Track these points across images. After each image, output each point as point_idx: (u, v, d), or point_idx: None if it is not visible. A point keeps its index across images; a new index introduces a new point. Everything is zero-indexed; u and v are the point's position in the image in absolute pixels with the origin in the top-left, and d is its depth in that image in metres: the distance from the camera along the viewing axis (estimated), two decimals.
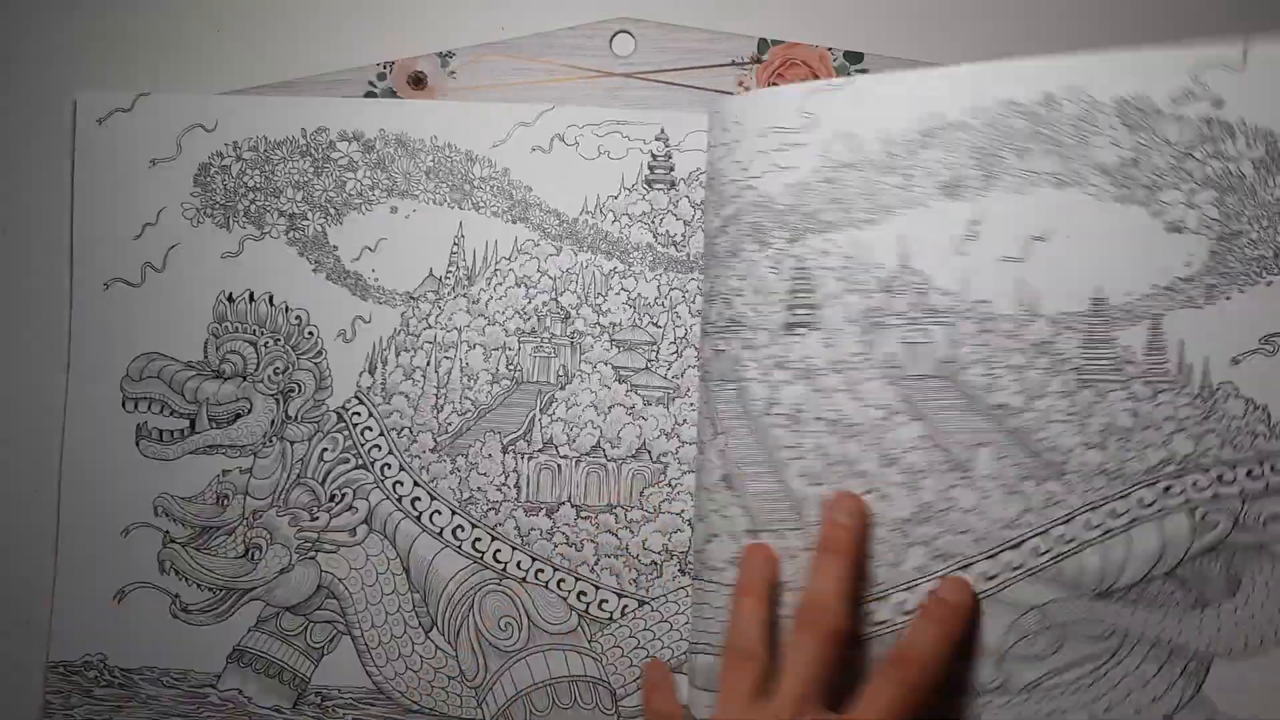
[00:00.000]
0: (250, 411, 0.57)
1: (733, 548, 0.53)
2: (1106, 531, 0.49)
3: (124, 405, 0.58)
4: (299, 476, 0.57)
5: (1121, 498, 0.48)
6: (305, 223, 0.57)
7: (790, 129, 0.52)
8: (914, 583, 0.50)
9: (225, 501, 0.57)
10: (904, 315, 0.50)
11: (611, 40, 0.58)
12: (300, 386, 0.57)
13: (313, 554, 0.57)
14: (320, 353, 0.57)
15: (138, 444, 0.58)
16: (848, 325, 0.51)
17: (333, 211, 0.57)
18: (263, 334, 0.57)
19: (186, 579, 0.57)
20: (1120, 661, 0.48)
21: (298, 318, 0.57)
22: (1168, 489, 0.48)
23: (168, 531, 0.57)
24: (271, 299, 0.57)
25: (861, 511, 0.50)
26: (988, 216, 0.49)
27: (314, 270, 0.57)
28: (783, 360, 0.52)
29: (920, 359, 0.50)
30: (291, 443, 0.57)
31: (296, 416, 0.57)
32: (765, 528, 0.52)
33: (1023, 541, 0.49)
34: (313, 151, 0.57)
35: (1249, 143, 0.47)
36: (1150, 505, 0.48)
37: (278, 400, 0.57)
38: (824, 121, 0.52)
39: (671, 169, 0.56)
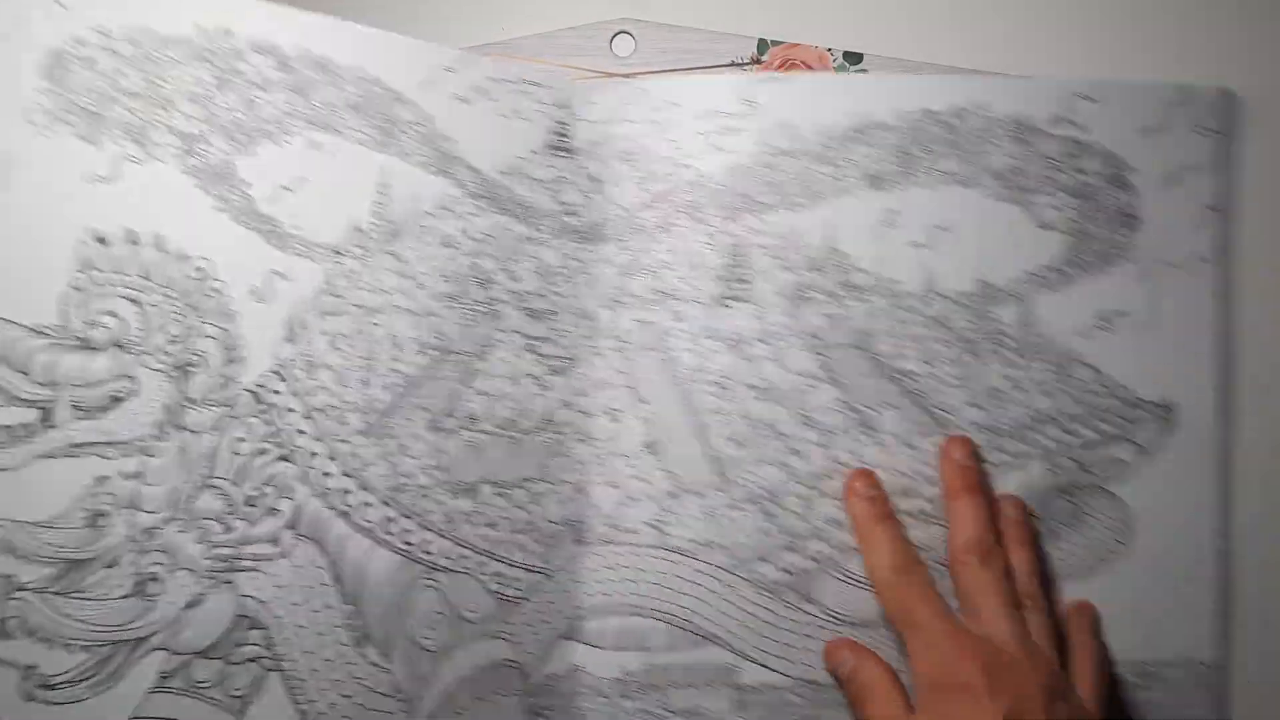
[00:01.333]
0: (135, 394, 0.42)
1: (652, 509, 0.56)
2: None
3: None
4: (207, 477, 0.44)
5: (995, 449, 0.58)
6: (206, 148, 0.44)
7: (731, 114, 0.57)
8: (823, 532, 0.57)
9: (102, 521, 0.41)
10: (828, 291, 0.57)
11: (611, 40, 0.59)
12: (203, 359, 0.44)
13: (228, 576, 0.44)
14: (228, 315, 0.45)
15: None
16: (777, 299, 0.57)
17: (241, 138, 0.45)
18: (149, 289, 0.43)
19: (48, 641, 0.40)
20: None
21: (199, 269, 0.44)
22: (1030, 440, 0.58)
23: (11, 576, 0.39)
24: (161, 242, 0.43)
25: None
26: (903, 207, 0.58)
27: (218, 209, 0.45)
28: (714, 331, 0.57)
29: (839, 330, 0.58)
30: (195, 433, 0.43)
31: (199, 399, 0.44)
32: (690, 489, 0.56)
33: (916, 490, 0.57)
34: (214, 59, 0.45)
35: (1098, 160, 0.58)
36: (1016, 454, 0.58)
37: (173, 378, 0.43)
38: (765, 110, 0.57)
39: (572, 136, 0.56)
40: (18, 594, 0.40)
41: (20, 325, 0.41)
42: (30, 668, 0.40)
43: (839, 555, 0.56)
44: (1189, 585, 0.56)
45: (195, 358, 0.44)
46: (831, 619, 0.56)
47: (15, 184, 0.40)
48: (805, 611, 0.56)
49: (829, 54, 0.61)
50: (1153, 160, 0.58)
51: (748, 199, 0.57)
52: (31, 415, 0.41)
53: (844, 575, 0.56)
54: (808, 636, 0.56)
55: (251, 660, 0.45)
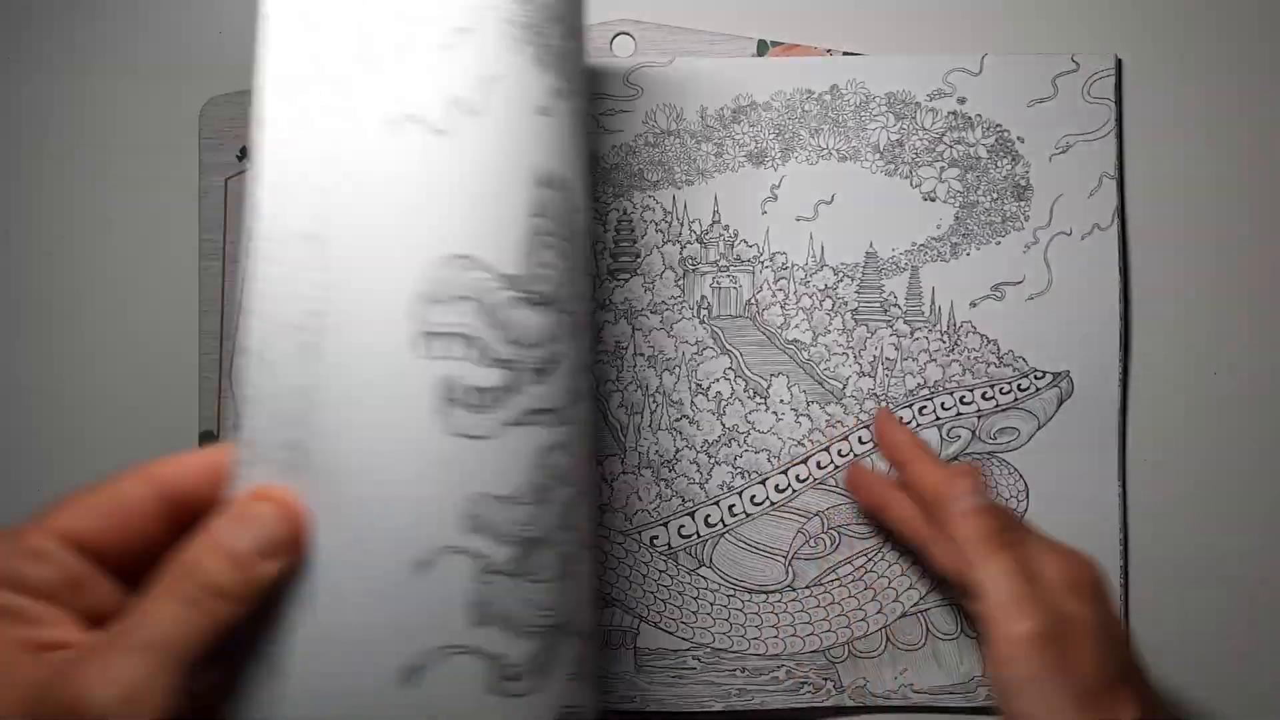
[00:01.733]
0: (567, 357, 0.38)
1: None
2: (875, 446, 0.58)
3: (419, 345, 0.32)
4: (593, 450, 0.41)
5: None
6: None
7: (616, 97, 0.58)
8: (719, 498, 0.57)
9: (544, 495, 0.37)
10: (715, 264, 0.58)
11: (612, 42, 0.58)
12: (597, 317, 0.40)
13: (599, 555, 0.41)
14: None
15: (445, 414, 0.33)
16: (666, 271, 0.58)
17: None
18: (572, 239, 0.39)
19: (513, 629, 0.35)
20: (883, 555, 0.58)
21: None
22: (922, 409, 0.58)
23: (487, 556, 0.34)
24: (571, 184, 0.39)
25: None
26: (786, 182, 0.58)
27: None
28: (606, 302, 0.57)
29: (728, 301, 0.58)
30: (591, 401, 0.40)
31: (595, 363, 0.40)
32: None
33: (809, 457, 0.58)
34: None
35: (984, 132, 0.58)
36: (908, 423, 0.58)
37: (588, 339, 0.40)
38: (648, 94, 0.58)
39: None
40: (490, 576, 0.34)
41: (498, 274, 0.34)
42: (498, 656, 0.34)
43: (734, 521, 0.57)
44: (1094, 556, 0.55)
45: (595, 317, 0.40)
46: (727, 583, 0.57)
47: (494, 105, 0.34)
48: (701, 576, 0.57)
49: (829, 55, 0.60)
50: (1041, 130, 0.58)
51: (636, 176, 0.58)
52: (503, 377, 0.35)
53: (739, 540, 0.57)
54: (704, 601, 0.57)
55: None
